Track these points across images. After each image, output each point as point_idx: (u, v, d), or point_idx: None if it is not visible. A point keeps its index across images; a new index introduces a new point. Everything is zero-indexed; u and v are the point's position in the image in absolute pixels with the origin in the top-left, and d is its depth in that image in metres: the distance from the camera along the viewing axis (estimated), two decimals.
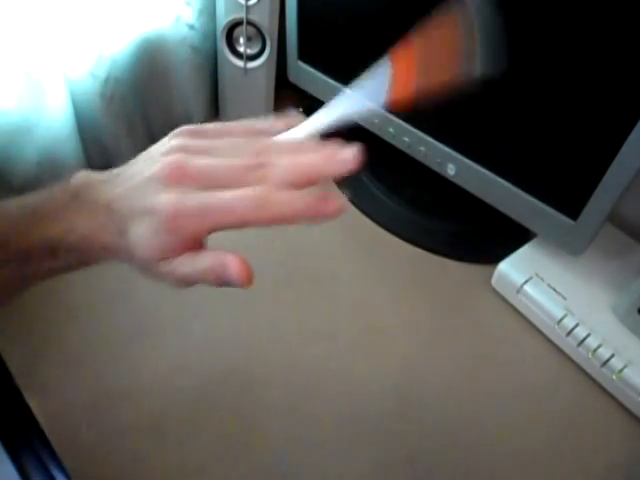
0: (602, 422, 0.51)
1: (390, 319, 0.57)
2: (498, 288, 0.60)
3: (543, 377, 0.54)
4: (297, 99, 0.77)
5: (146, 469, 0.45)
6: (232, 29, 0.67)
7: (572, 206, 0.51)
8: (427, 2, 0.53)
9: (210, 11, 0.67)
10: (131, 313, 0.55)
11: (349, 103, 0.31)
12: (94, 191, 0.31)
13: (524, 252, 0.60)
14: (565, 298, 0.55)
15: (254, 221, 0.27)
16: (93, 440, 0.46)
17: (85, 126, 0.63)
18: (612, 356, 0.51)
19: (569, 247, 0.54)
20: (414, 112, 0.61)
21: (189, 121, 0.74)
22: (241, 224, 0.27)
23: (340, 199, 0.28)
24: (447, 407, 0.51)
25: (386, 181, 0.70)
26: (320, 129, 0.31)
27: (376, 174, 0.71)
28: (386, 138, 0.65)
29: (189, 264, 0.28)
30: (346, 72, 0.65)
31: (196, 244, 0.29)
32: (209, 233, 0.28)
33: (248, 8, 0.64)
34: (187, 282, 0.29)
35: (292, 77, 0.72)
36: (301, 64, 0.69)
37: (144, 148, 0.31)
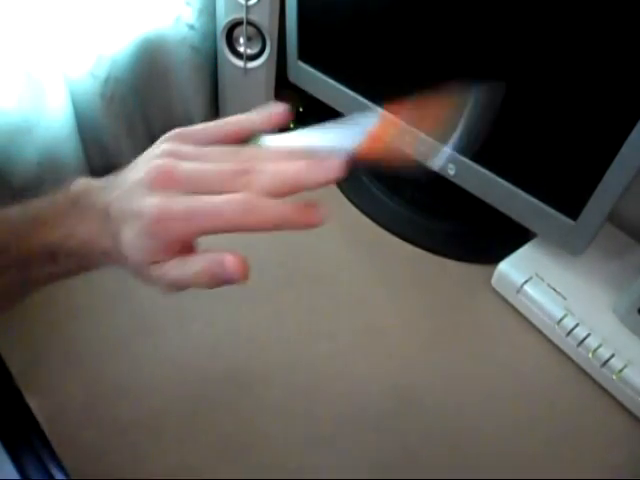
0: (602, 422, 0.51)
1: (390, 319, 0.57)
2: (498, 288, 0.60)
3: (543, 377, 0.54)
4: (297, 99, 0.77)
5: (146, 469, 0.45)
6: (232, 29, 0.67)
7: (572, 206, 0.51)
8: (427, 2, 0.53)
9: (210, 11, 0.67)
10: (131, 313, 0.55)
11: (332, 136, 0.31)
12: (93, 197, 0.31)
13: (524, 252, 0.60)
14: (565, 298, 0.55)
15: (239, 226, 0.27)
16: (93, 440, 0.46)
17: (85, 126, 0.63)
18: (612, 356, 0.51)
19: (569, 247, 0.54)
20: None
21: (189, 121, 0.74)
22: (226, 229, 0.28)
23: (322, 209, 0.28)
24: (447, 407, 0.51)
25: (386, 181, 0.70)
26: (303, 146, 0.31)
27: (376, 174, 0.71)
28: None
29: (180, 268, 0.28)
30: (346, 72, 0.66)
31: (185, 248, 0.29)
32: (195, 237, 0.29)
33: (248, 8, 0.64)
34: (179, 286, 0.29)
35: (292, 77, 0.72)
36: (301, 64, 0.69)
37: (144, 148, 0.31)
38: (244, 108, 0.33)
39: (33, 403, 0.48)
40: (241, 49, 0.68)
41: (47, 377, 0.50)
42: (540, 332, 0.57)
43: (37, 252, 0.31)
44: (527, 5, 0.46)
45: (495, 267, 0.59)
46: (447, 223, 0.67)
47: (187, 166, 0.29)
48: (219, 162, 0.29)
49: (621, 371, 0.50)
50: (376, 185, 0.70)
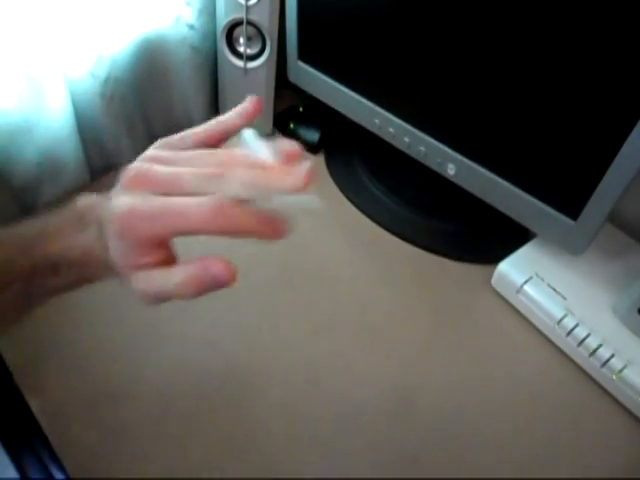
0: (602, 422, 0.51)
1: (390, 319, 0.57)
2: (498, 288, 0.60)
3: (543, 377, 0.54)
4: (297, 99, 0.77)
5: (146, 468, 0.45)
6: (232, 29, 0.67)
7: (572, 206, 0.51)
8: (427, 2, 0.53)
9: (210, 11, 0.67)
10: (131, 313, 0.55)
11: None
12: (96, 210, 0.32)
13: (524, 252, 0.60)
14: (565, 298, 0.55)
15: (206, 229, 0.28)
16: (93, 439, 0.46)
17: (85, 126, 0.63)
18: (612, 356, 0.51)
19: (569, 247, 0.54)
20: (414, 112, 0.61)
21: (189, 121, 0.74)
22: (193, 231, 0.28)
23: (286, 223, 0.29)
24: (446, 407, 0.51)
25: (386, 181, 0.70)
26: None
27: (376, 174, 0.71)
28: (386, 138, 0.65)
29: (162, 279, 0.29)
30: (346, 72, 0.66)
31: (164, 255, 0.30)
32: (165, 238, 0.29)
33: (248, 8, 0.64)
34: (162, 297, 0.29)
35: (292, 77, 0.72)
36: (301, 64, 0.69)
37: (144, 148, 0.32)
38: None
39: (33, 403, 0.48)
40: (241, 49, 0.68)
41: (47, 377, 0.50)
42: (540, 332, 0.57)
43: (40, 265, 0.32)
44: (528, 5, 0.46)
45: (495, 267, 0.59)
46: (447, 223, 0.67)
47: (162, 169, 0.30)
48: (195, 166, 0.30)
49: (621, 371, 0.50)
50: (376, 185, 0.70)
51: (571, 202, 0.51)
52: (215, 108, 0.77)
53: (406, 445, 0.48)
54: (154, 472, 0.45)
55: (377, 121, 0.64)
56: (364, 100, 0.64)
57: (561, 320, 0.54)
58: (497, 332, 0.57)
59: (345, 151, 0.75)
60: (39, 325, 0.53)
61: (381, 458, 0.47)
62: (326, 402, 0.50)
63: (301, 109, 0.77)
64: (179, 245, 0.31)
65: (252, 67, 0.69)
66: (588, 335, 0.52)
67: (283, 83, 0.73)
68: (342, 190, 0.70)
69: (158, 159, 0.30)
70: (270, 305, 0.57)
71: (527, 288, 0.56)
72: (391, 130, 0.63)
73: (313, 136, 0.74)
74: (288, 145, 0.31)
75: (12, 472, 0.46)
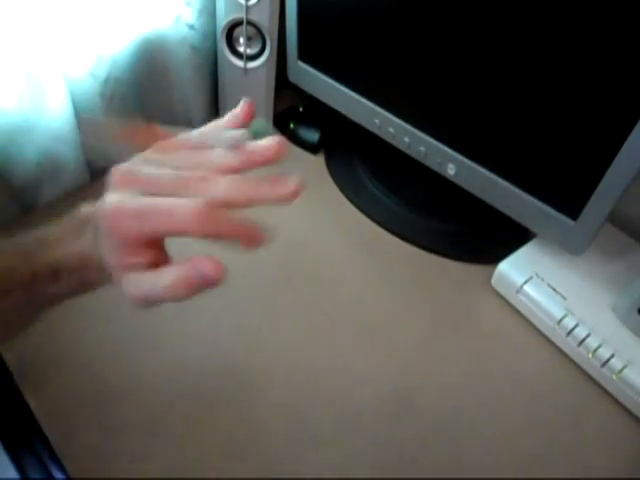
0: (602, 422, 0.51)
1: (390, 319, 0.57)
2: (498, 288, 0.60)
3: (543, 377, 0.54)
4: (297, 99, 0.77)
5: (146, 468, 0.45)
6: (232, 29, 0.67)
7: (572, 206, 0.51)
8: (426, 2, 0.53)
9: (210, 11, 0.67)
10: (131, 312, 0.55)
11: None
12: (94, 213, 0.32)
13: (524, 252, 0.60)
14: (565, 298, 0.55)
15: (189, 230, 0.28)
16: (93, 439, 0.46)
17: None
18: (612, 356, 0.51)
19: (569, 247, 0.54)
20: (414, 112, 0.61)
21: (189, 121, 0.74)
22: (177, 231, 0.28)
23: (267, 233, 0.29)
24: (446, 407, 0.51)
25: (386, 181, 0.70)
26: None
27: (376, 174, 0.71)
28: (386, 138, 0.65)
29: (151, 281, 0.29)
30: (346, 72, 0.66)
31: (156, 257, 0.30)
32: (152, 238, 0.29)
33: (248, 8, 0.64)
34: (152, 300, 0.29)
35: (292, 77, 0.72)
36: (301, 64, 0.69)
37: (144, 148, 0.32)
38: None
39: (33, 403, 0.48)
40: (241, 49, 0.68)
41: (47, 377, 0.50)
42: (540, 332, 0.57)
43: (41, 271, 0.33)
44: (529, 5, 0.46)
45: (495, 267, 0.59)
46: (447, 223, 0.67)
47: (149, 169, 0.30)
48: (185, 168, 0.30)
49: (621, 371, 0.50)
50: (376, 185, 0.70)
51: (571, 202, 0.51)
52: (215, 108, 0.77)
53: (406, 445, 0.48)
54: (154, 472, 0.45)
55: (377, 121, 0.64)
56: (364, 100, 0.64)
57: (561, 320, 0.54)
58: (497, 332, 0.57)
59: (345, 151, 0.75)
60: (39, 325, 0.53)
61: (381, 458, 0.47)
62: (326, 402, 0.50)
63: (301, 109, 0.77)
64: (176, 246, 0.31)
65: (252, 67, 0.69)
66: (588, 335, 0.52)
67: (283, 83, 0.73)
68: (342, 190, 0.70)
69: (150, 160, 0.31)
70: (270, 305, 0.57)
71: (527, 288, 0.56)
72: (391, 130, 0.63)
73: (313, 136, 0.74)
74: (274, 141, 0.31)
75: (12, 472, 0.46)
